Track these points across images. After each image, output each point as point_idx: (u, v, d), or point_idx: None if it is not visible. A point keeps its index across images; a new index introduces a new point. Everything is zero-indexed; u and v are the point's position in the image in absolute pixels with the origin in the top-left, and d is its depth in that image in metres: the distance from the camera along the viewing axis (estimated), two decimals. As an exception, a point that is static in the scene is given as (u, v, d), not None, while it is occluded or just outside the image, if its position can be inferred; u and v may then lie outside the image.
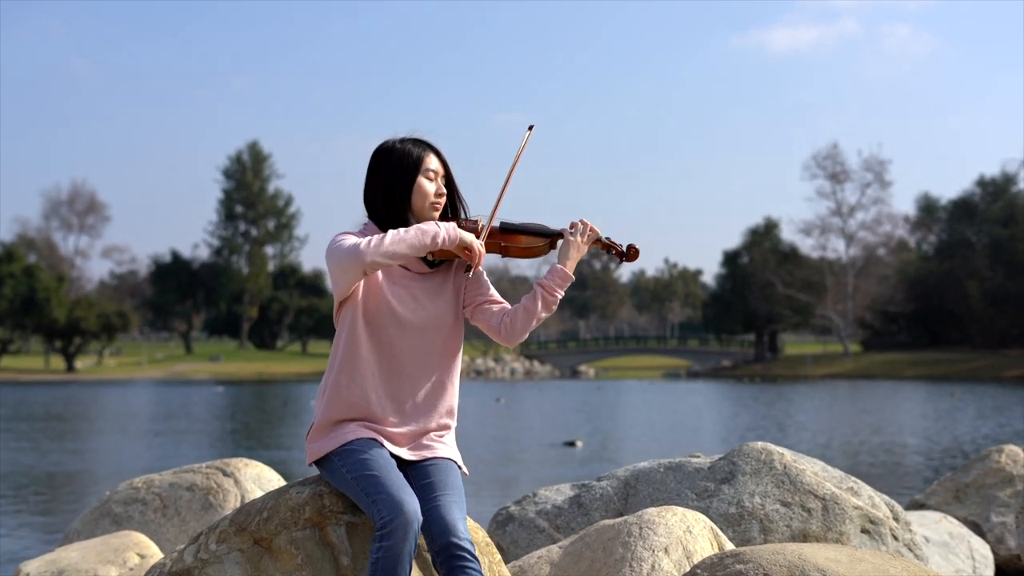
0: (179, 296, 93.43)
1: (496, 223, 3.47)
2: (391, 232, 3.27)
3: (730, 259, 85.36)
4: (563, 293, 3.42)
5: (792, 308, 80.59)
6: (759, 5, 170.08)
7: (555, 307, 3.43)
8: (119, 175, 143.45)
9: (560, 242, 3.47)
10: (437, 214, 3.46)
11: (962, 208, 77.02)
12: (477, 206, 3.57)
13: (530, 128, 3.52)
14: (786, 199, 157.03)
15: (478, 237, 3.42)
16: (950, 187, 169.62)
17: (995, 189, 76.18)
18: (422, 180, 3.42)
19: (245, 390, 48.03)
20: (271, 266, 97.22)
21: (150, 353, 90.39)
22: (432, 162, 3.45)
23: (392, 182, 3.41)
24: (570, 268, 3.42)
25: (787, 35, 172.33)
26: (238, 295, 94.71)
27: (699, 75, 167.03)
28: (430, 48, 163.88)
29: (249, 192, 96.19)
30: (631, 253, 3.48)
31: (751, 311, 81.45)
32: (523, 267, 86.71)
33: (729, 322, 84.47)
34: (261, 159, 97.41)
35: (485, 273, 3.53)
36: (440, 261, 3.47)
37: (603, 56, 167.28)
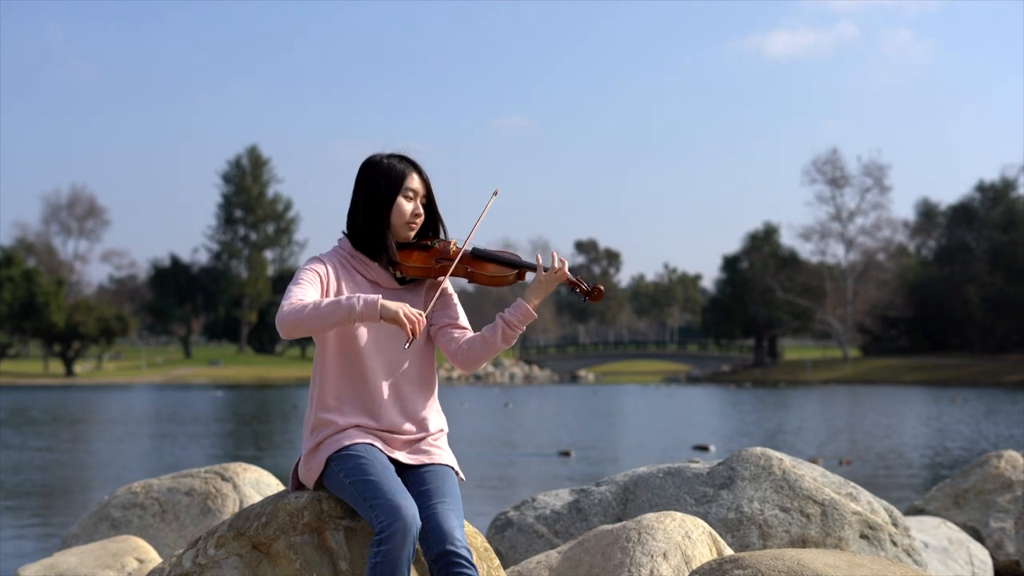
0: (178, 300, 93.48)
1: (469, 247, 3.47)
2: (311, 305, 3.23)
3: (730, 264, 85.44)
4: (523, 329, 3.43)
5: (792, 313, 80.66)
6: (758, 9, 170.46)
7: (513, 341, 3.44)
8: (119, 179, 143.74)
9: (529, 275, 3.43)
10: (412, 234, 3.48)
11: (962, 213, 77.07)
12: (455, 225, 3.57)
13: (494, 193, 3.52)
14: (786, 204, 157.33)
15: (451, 258, 3.42)
16: (950, 192, 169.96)
17: (995, 194, 76.23)
18: (400, 199, 3.44)
19: (244, 394, 47.98)
20: (270, 270, 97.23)
21: (149, 357, 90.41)
22: (413, 181, 3.46)
23: (372, 198, 3.44)
24: (534, 306, 3.40)
25: (786, 39, 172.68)
26: (237, 299, 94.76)
27: (698, 79, 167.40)
28: (429, 51, 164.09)
29: (248, 196, 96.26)
30: (595, 293, 3.39)
31: (750, 316, 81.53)
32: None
33: (728, 327, 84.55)
34: (260, 163, 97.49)
35: (455, 297, 3.55)
36: (411, 279, 3.51)
37: (601, 60, 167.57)
